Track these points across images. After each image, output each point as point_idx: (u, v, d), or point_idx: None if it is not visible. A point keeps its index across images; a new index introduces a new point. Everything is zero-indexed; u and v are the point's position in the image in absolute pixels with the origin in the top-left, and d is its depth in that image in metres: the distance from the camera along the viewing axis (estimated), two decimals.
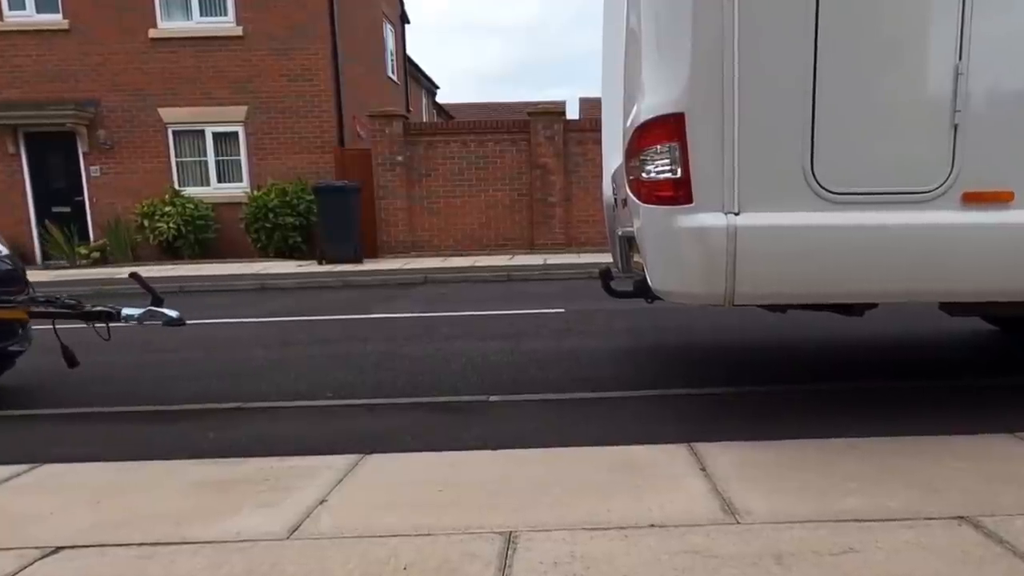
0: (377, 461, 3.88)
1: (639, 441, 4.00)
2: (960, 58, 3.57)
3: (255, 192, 18.22)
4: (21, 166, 18.98)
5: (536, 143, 17.79)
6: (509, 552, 2.75)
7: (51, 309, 5.47)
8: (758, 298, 3.97)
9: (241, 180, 19.11)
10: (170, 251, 18.27)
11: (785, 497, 3.15)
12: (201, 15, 18.64)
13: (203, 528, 3.09)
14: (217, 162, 19.12)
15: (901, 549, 2.66)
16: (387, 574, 2.63)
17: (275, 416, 5.06)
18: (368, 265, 16.10)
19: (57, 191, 19.20)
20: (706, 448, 3.81)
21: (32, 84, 18.59)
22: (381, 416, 4.95)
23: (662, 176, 3.77)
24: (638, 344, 7.16)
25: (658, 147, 3.77)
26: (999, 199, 3.64)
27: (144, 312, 5.34)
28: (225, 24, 18.57)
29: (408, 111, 26.55)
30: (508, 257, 17.04)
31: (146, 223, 18.17)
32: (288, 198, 17.77)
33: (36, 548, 2.94)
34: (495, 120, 20.06)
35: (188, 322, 5.56)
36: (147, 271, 15.88)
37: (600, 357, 6.54)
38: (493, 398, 5.23)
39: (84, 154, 18.97)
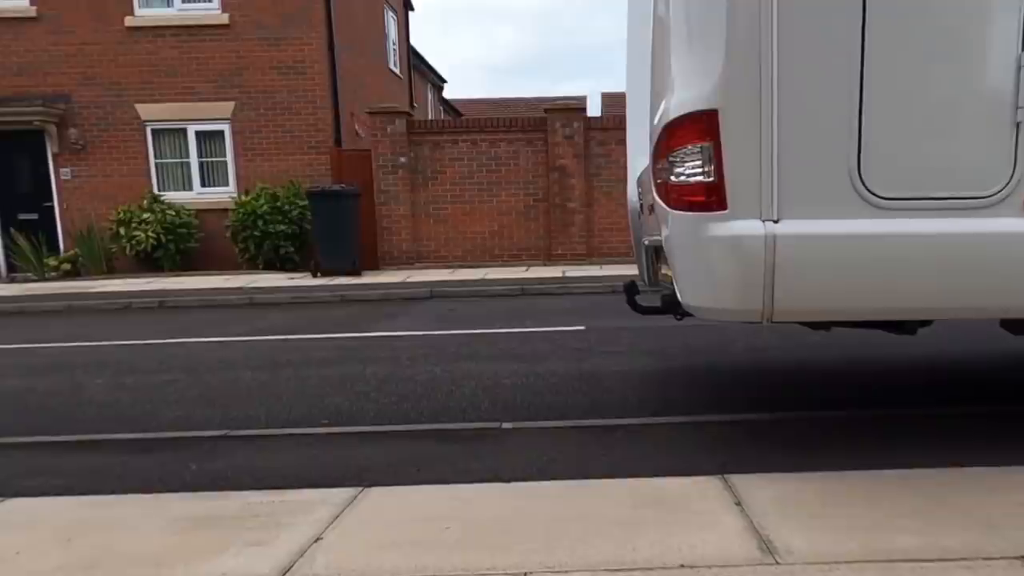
0: (378, 495, 3.92)
1: (667, 473, 4.03)
2: (1023, 48, 3.58)
3: (243, 197, 18.25)
4: None
5: (554, 143, 17.83)
6: None
7: None
8: (799, 315, 3.98)
9: (227, 184, 19.20)
10: (148, 262, 18.33)
11: (830, 535, 3.17)
12: (183, 1, 18.75)
13: (185, 569, 3.14)
14: (201, 164, 19.20)
15: None
16: None
17: (265, 445, 5.11)
18: (368, 278, 16.16)
19: (24, 196, 19.29)
20: (741, 480, 3.83)
21: None
22: (382, 445, 4.99)
23: (693, 179, 3.80)
24: (666, 365, 7.17)
25: (689, 147, 3.80)
26: None
27: None
28: (209, 11, 18.69)
29: (412, 107, 26.68)
30: (523, 269, 17.08)
31: (122, 231, 18.22)
32: (279, 204, 17.82)
33: None
34: (508, 117, 20.10)
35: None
36: (123, 284, 16.02)
37: (624, 380, 6.56)
38: (506, 425, 5.26)
39: (54, 155, 19.07)
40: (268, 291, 14.45)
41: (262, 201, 17.75)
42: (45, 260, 18.54)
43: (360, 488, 3.99)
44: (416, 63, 31.72)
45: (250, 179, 18.80)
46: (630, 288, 5.69)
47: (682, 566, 2.95)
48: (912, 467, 3.91)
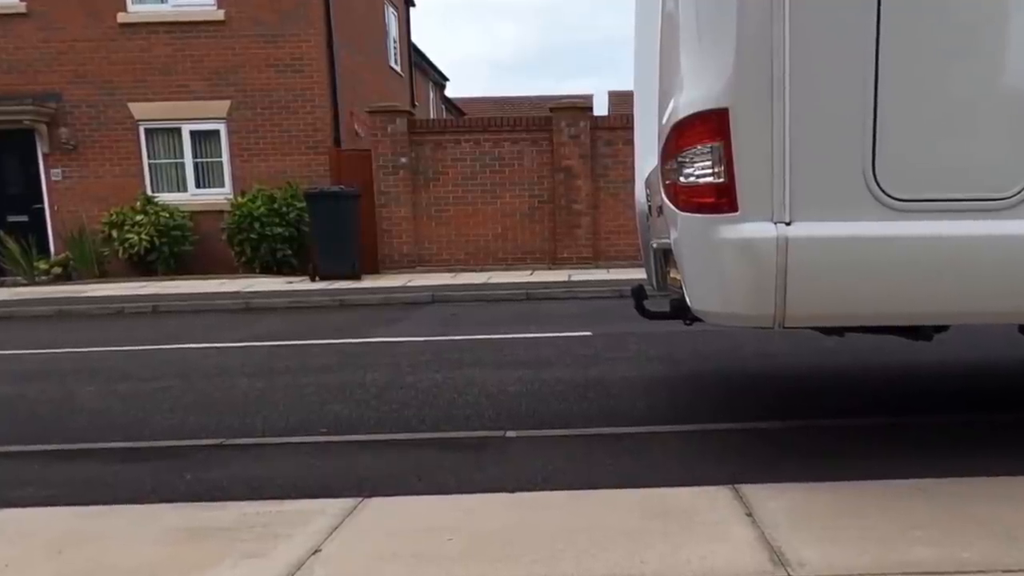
0: (378, 505, 3.92)
1: (676, 483, 4.03)
2: None
3: (239, 198, 18.24)
4: None
5: (559, 143, 17.85)
6: None
7: None
8: (812, 320, 3.99)
9: (223, 185, 19.22)
10: (142, 265, 18.34)
11: (843, 547, 3.17)
12: None
13: None
14: (195, 164, 19.22)
15: None
16: None
17: (262, 454, 5.11)
18: (368, 282, 16.20)
19: (13, 197, 19.33)
20: (752, 490, 3.83)
21: None
22: (383, 454, 4.99)
23: (703, 180, 3.80)
24: (675, 372, 7.18)
25: (698, 147, 3.80)
26: None
27: None
28: (205, 7, 18.70)
29: (413, 106, 26.69)
30: (527, 273, 17.11)
31: (114, 234, 18.24)
32: (276, 205, 17.81)
33: None
34: (512, 116, 20.13)
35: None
36: (116, 288, 16.03)
37: (632, 387, 6.56)
38: (510, 434, 5.26)
39: (44, 155, 19.10)
40: (265, 295, 14.48)
41: (259, 203, 17.74)
42: (35, 263, 18.56)
43: (360, 498, 3.99)
44: (417, 60, 31.73)
45: (247, 180, 18.80)
46: (638, 292, 5.68)
47: None
48: (927, 476, 3.90)
